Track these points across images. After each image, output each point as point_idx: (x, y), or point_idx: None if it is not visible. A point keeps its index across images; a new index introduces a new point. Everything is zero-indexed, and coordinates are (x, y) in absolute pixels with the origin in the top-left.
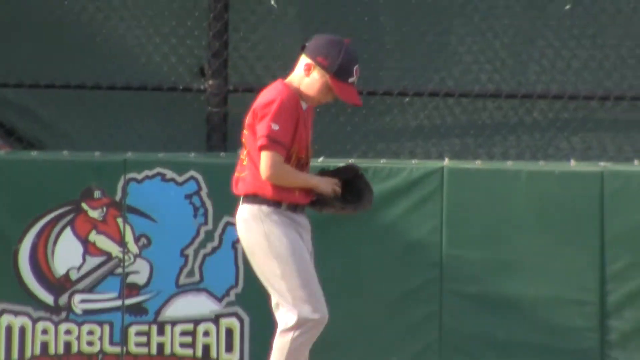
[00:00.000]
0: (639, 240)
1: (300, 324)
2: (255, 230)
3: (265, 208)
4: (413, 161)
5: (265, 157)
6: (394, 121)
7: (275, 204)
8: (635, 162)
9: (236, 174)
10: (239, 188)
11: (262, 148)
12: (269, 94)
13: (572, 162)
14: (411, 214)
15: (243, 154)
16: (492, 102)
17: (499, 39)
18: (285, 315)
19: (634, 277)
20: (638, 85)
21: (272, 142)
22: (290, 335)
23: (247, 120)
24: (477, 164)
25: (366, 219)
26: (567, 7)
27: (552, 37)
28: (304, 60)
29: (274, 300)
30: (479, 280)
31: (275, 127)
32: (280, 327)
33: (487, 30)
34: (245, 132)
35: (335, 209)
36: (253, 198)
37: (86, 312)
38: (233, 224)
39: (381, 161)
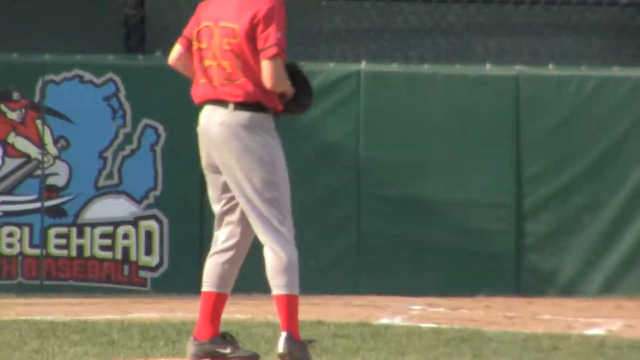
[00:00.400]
0: (554, 144)
1: (292, 237)
2: (252, 138)
3: (265, 116)
4: (330, 64)
5: (274, 65)
6: (311, 24)
7: (269, 111)
8: (550, 66)
9: (216, 81)
10: (225, 94)
11: (273, 57)
12: (264, 2)
13: (488, 66)
14: (328, 116)
15: (222, 61)
16: (408, 5)
17: None
18: (274, 229)
19: (549, 181)
20: None
21: (281, 51)
22: (291, 250)
23: (241, 27)
24: (394, 67)
25: (282, 121)
26: None
27: None
28: None
29: (223, 208)
30: (396, 183)
31: (280, 34)
32: (279, 244)
33: None
34: (234, 40)
35: (291, 112)
36: (255, 106)
37: (6, 213)
38: (152, 127)
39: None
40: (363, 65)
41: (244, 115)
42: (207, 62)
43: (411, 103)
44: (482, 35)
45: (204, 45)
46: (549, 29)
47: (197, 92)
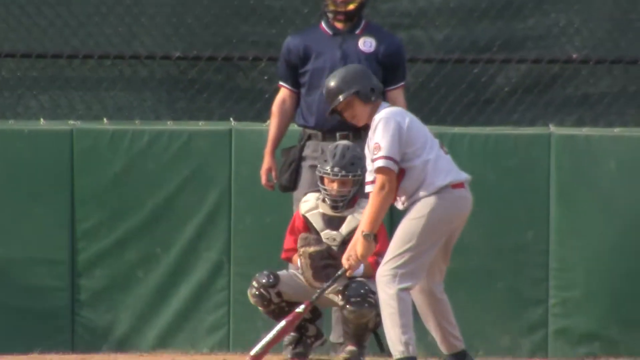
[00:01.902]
0: (108, 198)
1: None
2: None
3: None
4: None
5: None
6: None
7: None
8: (105, 120)
9: None
10: None
11: None
12: None
13: (42, 121)
14: None
15: None
16: None
17: None
18: None
19: (104, 236)
20: (104, 43)
21: None
22: None
23: None
24: None
25: None
26: None
27: None
28: None
29: None
30: None
31: None
32: None
33: None
34: None
35: None
36: None
37: None
38: None
39: None
40: None
41: None
42: None
43: None
44: (36, 89)
45: None
46: (102, 83)
47: None
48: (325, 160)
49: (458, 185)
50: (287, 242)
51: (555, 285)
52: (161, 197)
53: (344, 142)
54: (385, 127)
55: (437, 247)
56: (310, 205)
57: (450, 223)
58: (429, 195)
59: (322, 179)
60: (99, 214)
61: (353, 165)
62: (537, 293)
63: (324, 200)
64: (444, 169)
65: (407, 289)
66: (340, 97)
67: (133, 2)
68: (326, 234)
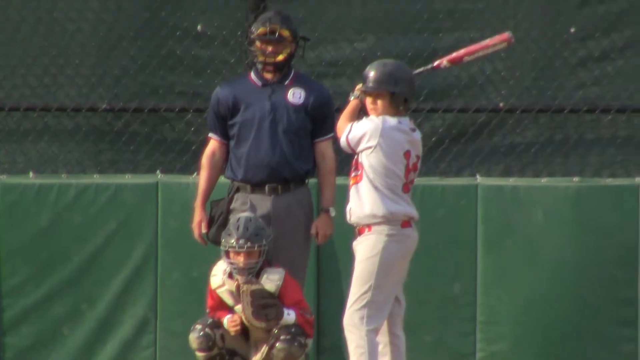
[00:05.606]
0: (34, 254)
1: None
2: None
3: None
4: None
5: None
6: None
7: None
8: (31, 174)
9: None
10: None
11: None
12: None
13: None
14: None
15: None
16: None
17: None
18: None
19: (30, 292)
20: (29, 95)
21: None
22: None
23: None
24: None
25: None
26: None
27: None
28: None
29: None
30: None
31: None
32: None
33: None
34: None
35: None
36: None
37: None
38: None
39: None
40: None
41: None
42: None
43: None
44: None
45: None
46: (28, 135)
47: None
48: (230, 234)
49: (406, 223)
50: (209, 300)
51: (483, 339)
52: (87, 252)
53: (246, 214)
54: (368, 121)
55: (394, 286)
56: (217, 281)
57: (403, 259)
58: (376, 224)
59: (227, 253)
60: (25, 270)
61: (257, 236)
62: (465, 346)
63: (230, 276)
64: (396, 200)
65: (374, 330)
66: (377, 87)
67: (58, 52)
68: (239, 309)
